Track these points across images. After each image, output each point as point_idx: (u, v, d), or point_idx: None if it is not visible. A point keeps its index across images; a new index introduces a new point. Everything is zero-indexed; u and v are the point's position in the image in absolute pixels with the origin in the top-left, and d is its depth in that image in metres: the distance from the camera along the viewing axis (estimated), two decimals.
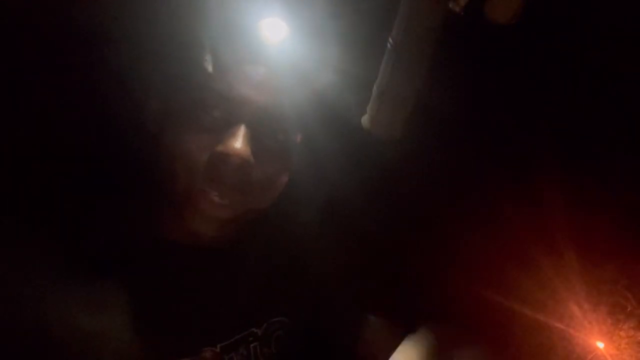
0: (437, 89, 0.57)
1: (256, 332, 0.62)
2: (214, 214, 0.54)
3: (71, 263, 0.52)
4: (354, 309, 0.71)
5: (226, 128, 0.52)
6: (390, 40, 0.46)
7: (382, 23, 0.51)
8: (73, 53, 0.57)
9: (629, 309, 0.65)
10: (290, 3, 0.52)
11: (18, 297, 0.49)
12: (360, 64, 0.56)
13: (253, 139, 0.53)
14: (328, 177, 0.72)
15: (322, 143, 0.64)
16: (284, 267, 0.67)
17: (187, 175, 0.53)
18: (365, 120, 0.52)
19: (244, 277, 0.63)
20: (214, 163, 0.52)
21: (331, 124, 0.61)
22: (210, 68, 0.51)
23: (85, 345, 0.50)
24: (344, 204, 0.77)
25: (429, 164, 0.81)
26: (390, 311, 0.73)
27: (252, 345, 0.61)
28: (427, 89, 0.51)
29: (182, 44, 0.52)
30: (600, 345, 0.65)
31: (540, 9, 0.52)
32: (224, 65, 0.51)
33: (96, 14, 0.54)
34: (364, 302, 0.72)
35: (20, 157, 0.59)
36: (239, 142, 0.51)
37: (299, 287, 0.68)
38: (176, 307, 0.56)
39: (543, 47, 0.69)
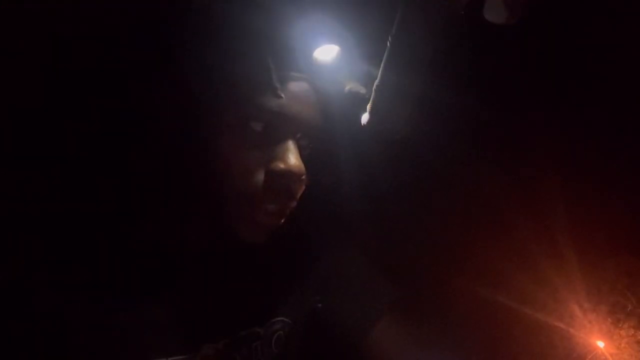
0: (437, 89, 0.57)
1: (258, 331, 0.62)
2: (267, 223, 0.56)
3: (83, 260, 0.53)
4: (356, 310, 0.71)
5: (276, 143, 0.54)
6: (390, 38, 0.46)
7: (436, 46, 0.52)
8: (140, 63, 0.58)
9: (629, 309, 0.65)
10: (344, 29, 0.54)
11: (42, 295, 0.50)
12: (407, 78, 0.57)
13: (299, 152, 0.55)
14: (340, 181, 0.73)
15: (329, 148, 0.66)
16: (287, 267, 0.67)
17: (246, 191, 0.54)
18: (365, 118, 0.52)
19: (248, 276, 0.63)
20: (272, 178, 0.54)
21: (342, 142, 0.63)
22: (281, 94, 0.52)
23: (90, 340, 0.50)
24: (350, 207, 0.77)
25: (429, 165, 0.81)
26: (394, 312, 0.73)
27: (254, 344, 0.61)
28: (428, 88, 0.51)
29: (246, 63, 0.53)
30: (601, 344, 0.65)
31: (540, 10, 0.52)
32: (280, 84, 0.53)
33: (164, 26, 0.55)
34: (367, 302, 0.72)
35: (54, 156, 0.59)
36: (296, 158, 0.54)
37: (301, 288, 0.68)
38: (179, 305, 0.57)
39: (543, 47, 0.69)
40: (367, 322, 0.71)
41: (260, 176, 0.54)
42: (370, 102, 0.51)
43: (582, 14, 0.65)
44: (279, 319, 0.64)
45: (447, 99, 0.69)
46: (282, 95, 0.52)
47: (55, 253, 0.52)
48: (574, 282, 0.68)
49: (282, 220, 0.57)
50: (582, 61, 0.69)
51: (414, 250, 0.84)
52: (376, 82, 0.50)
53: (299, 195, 0.56)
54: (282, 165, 0.53)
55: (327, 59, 0.54)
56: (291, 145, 0.54)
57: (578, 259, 0.69)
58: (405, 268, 0.82)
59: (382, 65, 0.48)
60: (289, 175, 0.54)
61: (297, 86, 0.53)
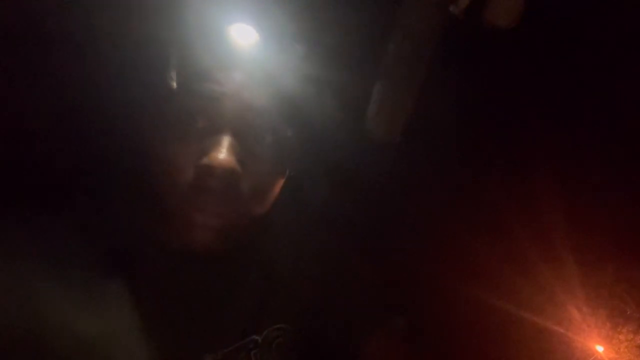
0: (437, 92, 0.57)
1: (257, 340, 0.61)
2: (206, 224, 0.53)
3: (71, 270, 0.52)
4: (355, 315, 0.71)
5: (209, 138, 0.52)
6: (391, 43, 0.46)
7: (356, 28, 0.51)
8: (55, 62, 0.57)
9: (628, 313, 0.65)
10: (257, 8, 0.52)
11: (17, 303, 0.48)
12: (335, 69, 0.56)
13: (238, 146, 0.52)
14: (320, 180, 0.72)
15: (309, 146, 0.64)
16: (284, 273, 0.67)
17: (176, 189, 0.52)
18: (365, 123, 0.52)
19: (245, 284, 0.62)
20: (200, 175, 0.52)
21: (308, 128, 0.61)
22: (174, 85, 0.50)
23: (84, 351, 0.50)
24: (337, 208, 0.77)
25: (427, 168, 0.81)
26: (392, 317, 0.73)
27: (252, 352, 0.60)
28: (427, 92, 0.51)
29: (153, 58, 0.52)
30: (600, 348, 0.65)
31: (540, 13, 0.52)
32: (196, 74, 0.51)
33: (76, 23, 0.54)
34: (365, 307, 0.72)
35: (13, 168, 0.59)
36: (222, 153, 0.51)
37: (299, 294, 0.67)
38: (177, 314, 0.56)
39: (542, 50, 0.69)
40: (365, 328, 0.70)
41: (189, 173, 0.52)
42: (370, 106, 0.51)
43: (583, 16, 0.65)
44: (277, 326, 0.63)
45: (445, 102, 0.69)
46: (175, 87, 0.50)
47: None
48: (572, 286, 0.68)
49: (227, 222, 0.54)
50: (582, 65, 0.69)
51: (410, 254, 0.83)
52: (376, 87, 0.49)
53: (230, 194, 0.53)
54: (206, 161, 0.51)
55: (247, 44, 0.51)
56: (224, 140, 0.51)
57: (576, 263, 0.69)
58: (402, 273, 0.82)
59: (382, 71, 0.48)
60: (212, 171, 0.51)
61: (224, 76, 0.51)
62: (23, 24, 0.55)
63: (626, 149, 0.73)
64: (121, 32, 0.52)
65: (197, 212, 0.53)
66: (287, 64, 0.54)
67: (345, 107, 0.53)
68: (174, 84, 0.50)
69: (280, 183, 0.59)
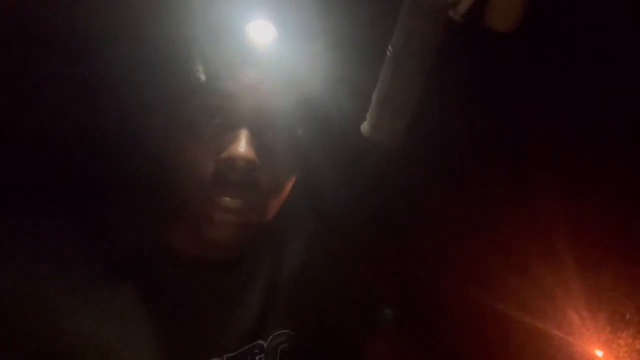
0: (437, 96, 0.56)
1: (262, 345, 0.62)
2: (226, 220, 0.54)
3: (82, 273, 0.52)
4: (359, 321, 0.71)
5: (227, 133, 0.53)
6: (390, 48, 0.46)
7: (374, 26, 0.51)
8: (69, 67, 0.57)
9: (627, 317, 0.65)
10: (276, 5, 0.52)
11: (28, 306, 0.49)
12: (352, 67, 0.56)
13: (255, 141, 0.53)
14: (325, 184, 0.72)
15: (317, 147, 0.64)
16: (289, 279, 0.67)
17: (197, 185, 0.53)
18: (364, 127, 0.51)
19: (251, 289, 0.63)
20: (221, 170, 0.53)
21: (324, 126, 0.61)
22: (203, 77, 0.51)
23: (93, 353, 0.50)
24: (341, 212, 0.77)
25: (427, 171, 0.81)
26: (394, 319, 0.73)
27: (257, 357, 0.61)
28: (427, 96, 0.51)
29: (173, 55, 0.52)
30: (599, 353, 0.65)
31: (540, 16, 0.52)
32: (216, 70, 0.52)
33: (92, 25, 0.55)
34: (369, 314, 0.72)
35: (26, 168, 0.59)
36: (242, 146, 0.52)
37: (304, 300, 0.68)
38: (184, 317, 0.57)
39: (543, 54, 0.69)
40: (368, 331, 0.71)
41: (210, 168, 0.53)
42: (370, 110, 0.51)
43: (583, 21, 0.65)
44: (282, 331, 0.64)
45: (446, 105, 0.69)
46: (204, 80, 0.51)
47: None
48: (572, 289, 0.68)
49: (246, 218, 0.55)
50: (583, 67, 0.69)
51: (412, 257, 0.83)
52: (376, 91, 0.49)
53: (250, 186, 0.54)
54: (226, 154, 0.52)
55: (265, 41, 0.52)
56: (241, 135, 0.53)
57: (577, 267, 0.69)
58: (404, 276, 0.82)
59: (381, 74, 0.48)
60: (233, 164, 0.52)
61: (241, 72, 0.52)
62: (39, 24, 0.55)
63: (627, 150, 0.72)
64: (139, 31, 0.52)
65: (216, 208, 0.54)
66: (304, 61, 0.54)
67: (360, 105, 0.53)
68: (203, 77, 0.51)
69: (292, 181, 0.60)
